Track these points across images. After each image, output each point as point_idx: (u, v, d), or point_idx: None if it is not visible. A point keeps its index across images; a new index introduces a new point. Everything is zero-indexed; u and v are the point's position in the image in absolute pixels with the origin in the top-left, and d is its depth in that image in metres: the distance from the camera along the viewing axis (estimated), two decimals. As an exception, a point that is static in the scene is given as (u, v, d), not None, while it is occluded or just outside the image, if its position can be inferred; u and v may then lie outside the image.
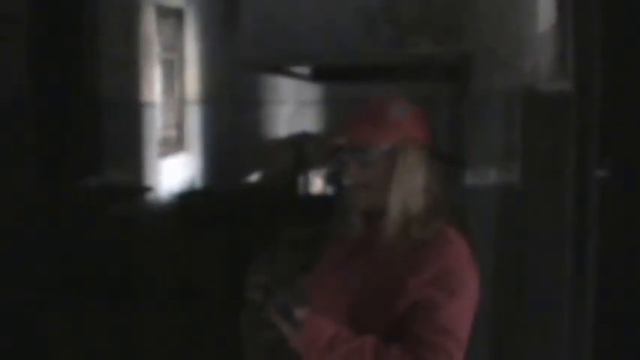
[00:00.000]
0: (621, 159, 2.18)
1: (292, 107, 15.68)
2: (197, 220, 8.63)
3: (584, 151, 2.07)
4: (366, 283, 1.99)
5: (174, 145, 11.58)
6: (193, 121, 12.11)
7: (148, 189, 9.88)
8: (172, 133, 11.60)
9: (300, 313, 1.92)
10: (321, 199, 9.31)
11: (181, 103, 11.83)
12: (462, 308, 1.90)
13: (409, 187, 1.99)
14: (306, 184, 9.45)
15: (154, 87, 10.46)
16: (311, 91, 14.73)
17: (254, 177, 12.05)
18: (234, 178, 12.34)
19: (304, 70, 8.97)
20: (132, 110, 9.83)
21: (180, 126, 11.83)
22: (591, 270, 2.02)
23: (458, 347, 1.87)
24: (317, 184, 10.45)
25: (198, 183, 12.17)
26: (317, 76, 9.24)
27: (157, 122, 10.65)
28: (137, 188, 9.68)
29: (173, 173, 11.13)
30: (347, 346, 1.88)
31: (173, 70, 11.64)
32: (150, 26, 10.36)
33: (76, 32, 8.33)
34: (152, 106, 10.41)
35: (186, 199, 9.98)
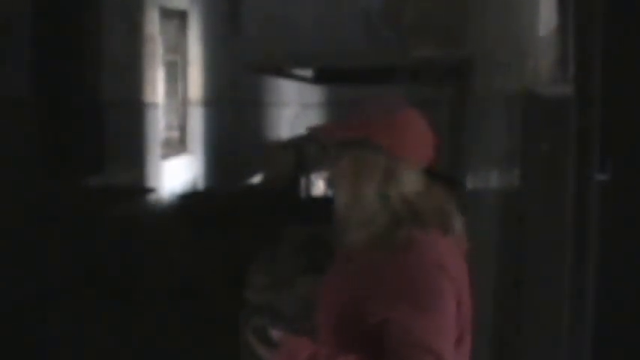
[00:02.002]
0: (621, 161, 2.19)
1: (294, 109, 15.70)
2: (199, 220, 8.65)
3: (585, 154, 2.07)
4: (341, 298, 1.96)
5: (176, 146, 11.59)
6: (196, 122, 12.12)
7: (150, 190, 9.89)
8: (175, 134, 11.62)
9: (276, 335, 1.89)
10: (322, 200, 9.32)
11: (184, 104, 11.84)
12: (434, 320, 1.84)
13: (356, 190, 1.96)
14: (308, 185, 9.46)
15: (156, 88, 10.48)
16: (313, 93, 14.76)
17: (256, 178, 12.07)
18: (236, 179, 12.35)
19: (306, 72, 8.98)
20: (134, 111, 9.85)
21: (182, 127, 11.84)
22: (591, 272, 2.03)
23: (439, 358, 1.82)
24: (318, 185, 10.46)
25: (201, 184, 12.18)
26: (319, 78, 9.26)
27: (159, 123, 10.67)
28: (139, 189, 9.69)
29: (175, 174, 11.14)
30: None
31: (176, 72, 11.65)
32: (153, 27, 10.38)
33: (79, 33, 8.34)
34: (155, 107, 10.43)
35: (188, 200, 10.00)
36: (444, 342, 1.84)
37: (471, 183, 4.62)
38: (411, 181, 1.96)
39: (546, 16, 2.39)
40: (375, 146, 1.93)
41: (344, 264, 2.02)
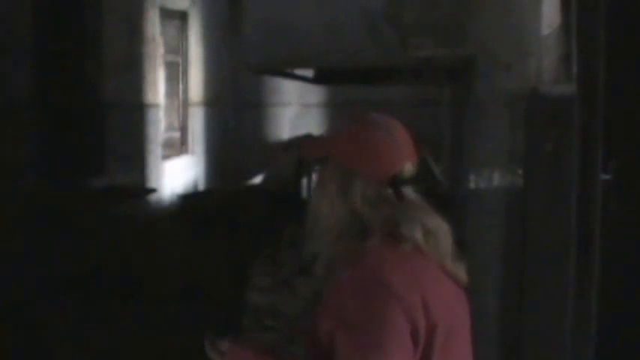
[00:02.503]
0: (625, 161, 2.18)
1: (295, 110, 15.69)
2: (199, 221, 8.64)
3: (588, 153, 2.06)
4: (313, 311, 2.02)
5: (177, 147, 11.59)
6: (196, 123, 12.12)
7: (151, 190, 9.89)
8: (176, 135, 11.61)
9: (223, 345, 2.03)
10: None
11: (185, 105, 11.84)
12: (370, 339, 1.84)
13: (317, 204, 2.01)
14: (309, 186, 9.45)
15: (157, 89, 10.48)
16: (314, 94, 14.74)
17: (257, 179, 12.06)
18: (236, 180, 12.34)
19: (307, 72, 8.97)
20: (135, 112, 9.84)
21: (183, 128, 11.84)
22: (595, 271, 2.01)
23: None
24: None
25: (201, 185, 12.18)
26: (320, 78, 9.24)
27: (160, 124, 10.66)
28: (140, 190, 9.69)
29: (176, 175, 11.13)
30: None
31: (177, 73, 11.65)
32: (154, 28, 10.38)
33: (80, 34, 8.34)
34: (155, 108, 10.42)
35: (189, 200, 9.99)
36: (385, 357, 1.83)
37: (473, 183, 4.61)
38: (365, 195, 1.98)
39: (549, 16, 2.38)
40: (334, 161, 2.00)
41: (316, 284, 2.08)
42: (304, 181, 8.29)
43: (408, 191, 2.04)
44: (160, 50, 10.65)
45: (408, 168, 2.04)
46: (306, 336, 2.03)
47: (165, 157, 10.84)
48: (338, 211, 1.99)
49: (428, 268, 1.97)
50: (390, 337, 1.84)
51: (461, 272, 2.04)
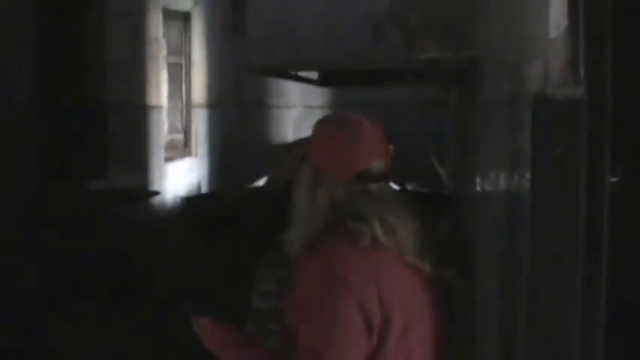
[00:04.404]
0: (633, 165, 2.15)
1: (299, 111, 15.68)
2: (202, 223, 8.63)
3: (596, 157, 2.04)
4: (285, 303, 2.18)
5: (180, 148, 11.59)
6: (200, 124, 12.11)
7: (154, 192, 9.88)
8: (179, 136, 11.61)
9: (203, 321, 2.28)
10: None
11: (188, 106, 11.84)
12: (323, 327, 1.98)
13: (294, 200, 2.20)
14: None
15: (160, 90, 10.47)
16: (318, 96, 14.74)
17: (260, 181, 12.05)
18: (240, 182, 12.34)
19: (311, 74, 8.95)
20: (138, 114, 9.84)
21: (186, 130, 11.83)
22: (604, 275, 1.99)
23: None
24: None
25: (205, 186, 12.17)
26: (324, 80, 9.23)
27: (163, 126, 10.66)
28: (143, 192, 9.68)
29: (179, 177, 11.13)
30: (235, 353, 2.17)
31: (180, 74, 11.65)
32: (156, 29, 10.37)
33: (82, 34, 8.33)
34: (158, 109, 10.42)
35: (192, 202, 9.99)
36: (330, 346, 1.97)
37: (478, 185, 4.59)
38: (332, 191, 2.14)
39: (556, 18, 2.35)
40: (308, 159, 2.21)
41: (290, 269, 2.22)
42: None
43: (379, 187, 2.17)
44: (163, 51, 10.65)
45: (377, 165, 2.18)
46: (283, 324, 2.17)
47: (168, 158, 10.84)
48: (309, 205, 2.16)
49: (386, 262, 2.09)
50: (342, 327, 1.98)
51: (425, 267, 2.15)
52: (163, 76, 10.65)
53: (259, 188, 11.37)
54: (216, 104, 12.63)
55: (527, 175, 2.48)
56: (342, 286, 2.00)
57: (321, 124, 2.29)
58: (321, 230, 2.12)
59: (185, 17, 11.70)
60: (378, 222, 2.09)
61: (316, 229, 2.13)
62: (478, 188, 4.58)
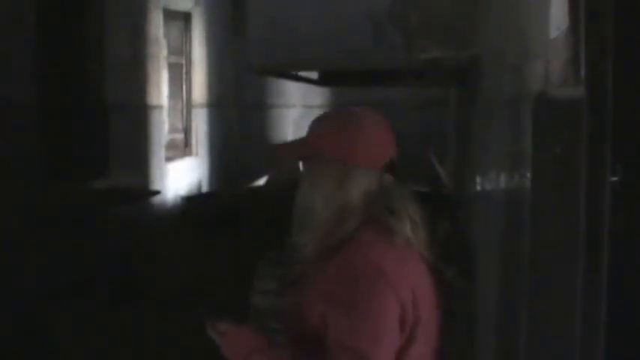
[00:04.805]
0: (634, 164, 2.15)
1: (299, 111, 15.68)
2: (203, 223, 8.62)
3: (596, 157, 2.04)
4: (297, 297, 2.07)
5: (180, 148, 11.59)
6: (200, 124, 12.11)
7: (155, 192, 9.88)
8: (179, 136, 11.60)
9: (222, 326, 2.11)
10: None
11: (188, 106, 11.83)
12: (361, 321, 1.89)
13: (310, 200, 2.06)
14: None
15: (160, 90, 10.47)
16: (318, 95, 14.75)
17: (260, 181, 12.04)
18: (240, 181, 12.33)
19: (312, 74, 8.95)
20: (138, 113, 9.84)
21: (186, 129, 11.83)
22: (604, 274, 1.99)
23: (363, 358, 1.87)
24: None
25: (205, 186, 12.17)
26: (324, 80, 9.23)
27: (164, 126, 10.66)
28: (143, 191, 9.68)
29: (179, 176, 11.13)
30: (266, 356, 2.01)
31: (180, 74, 11.64)
32: (157, 29, 10.37)
33: (82, 34, 8.33)
34: (159, 109, 10.42)
35: (193, 202, 9.98)
36: (373, 344, 1.89)
37: (479, 185, 4.59)
38: (362, 186, 2.04)
39: (557, 18, 2.35)
40: (328, 157, 2.06)
41: (303, 268, 2.10)
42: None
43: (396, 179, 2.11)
44: (164, 51, 10.64)
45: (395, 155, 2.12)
46: (290, 318, 2.09)
47: (169, 158, 10.83)
48: (332, 204, 2.04)
49: (415, 261, 2.05)
50: (385, 325, 1.92)
51: (431, 258, 2.11)
52: (164, 76, 10.65)
53: (259, 188, 11.36)
54: (217, 104, 12.63)
55: (528, 174, 2.48)
56: (386, 283, 1.93)
57: (333, 120, 2.15)
58: (345, 228, 2.02)
59: (185, 17, 11.69)
60: (408, 219, 2.03)
61: (340, 227, 2.03)
62: (478, 188, 4.58)
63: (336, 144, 2.06)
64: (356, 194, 2.03)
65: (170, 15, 10.98)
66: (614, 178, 2.07)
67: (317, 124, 2.17)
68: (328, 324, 1.93)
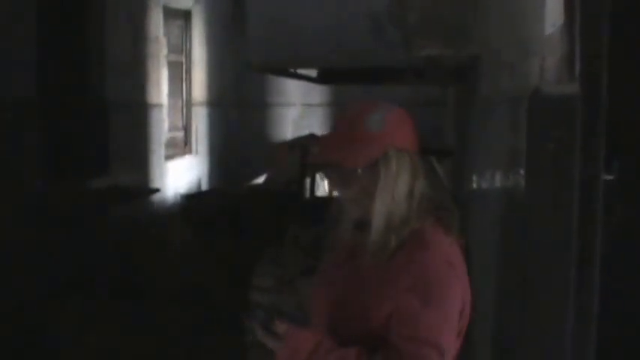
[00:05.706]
0: (628, 162, 2.16)
1: (299, 109, 15.67)
2: (202, 221, 8.63)
3: (591, 154, 2.04)
4: (345, 294, 2.00)
5: (180, 147, 11.59)
6: (200, 123, 12.11)
7: (155, 190, 9.88)
8: (179, 135, 11.61)
9: (280, 327, 1.94)
10: (326, 201, 9.27)
11: (188, 105, 11.83)
12: (439, 315, 1.88)
13: (392, 197, 1.97)
14: (312, 186, 9.45)
15: (160, 89, 10.47)
16: (318, 94, 14.72)
17: (260, 179, 12.04)
18: (240, 180, 12.33)
19: (311, 72, 8.94)
20: (138, 112, 9.84)
21: (186, 128, 11.83)
22: (596, 273, 2.00)
23: (439, 354, 1.86)
24: (323, 186, 10.43)
25: (205, 185, 12.17)
26: (324, 78, 9.22)
27: (163, 124, 10.66)
28: (143, 190, 9.68)
29: (179, 175, 11.13)
30: (334, 356, 1.90)
31: (180, 72, 11.64)
32: (157, 28, 10.37)
33: (83, 33, 8.33)
34: (159, 107, 10.42)
35: (192, 200, 9.98)
36: (447, 337, 1.89)
37: (476, 183, 4.59)
38: (423, 174, 2.02)
39: (552, 15, 2.36)
40: (400, 152, 1.98)
41: (345, 263, 2.05)
42: (307, 181, 8.28)
43: None
44: (164, 50, 10.65)
45: None
46: (339, 317, 2.01)
47: (169, 157, 10.83)
48: (411, 195, 1.99)
49: (461, 253, 2.03)
50: (452, 314, 1.92)
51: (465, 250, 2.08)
52: (164, 75, 10.65)
53: (259, 187, 11.37)
54: (217, 102, 12.63)
55: (522, 171, 2.49)
56: (453, 273, 1.94)
57: (382, 114, 2.05)
58: (408, 223, 1.97)
59: (185, 16, 11.69)
60: (456, 214, 2.03)
61: (407, 223, 1.98)
62: (475, 186, 4.59)
63: (400, 137, 2.02)
64: (423, 183, 2.01)
65: (170, 13, 10.98)
66: (610, 177, 2.08)
67: (365, 123, 2.03)
68: (396, 322, 1.89)
